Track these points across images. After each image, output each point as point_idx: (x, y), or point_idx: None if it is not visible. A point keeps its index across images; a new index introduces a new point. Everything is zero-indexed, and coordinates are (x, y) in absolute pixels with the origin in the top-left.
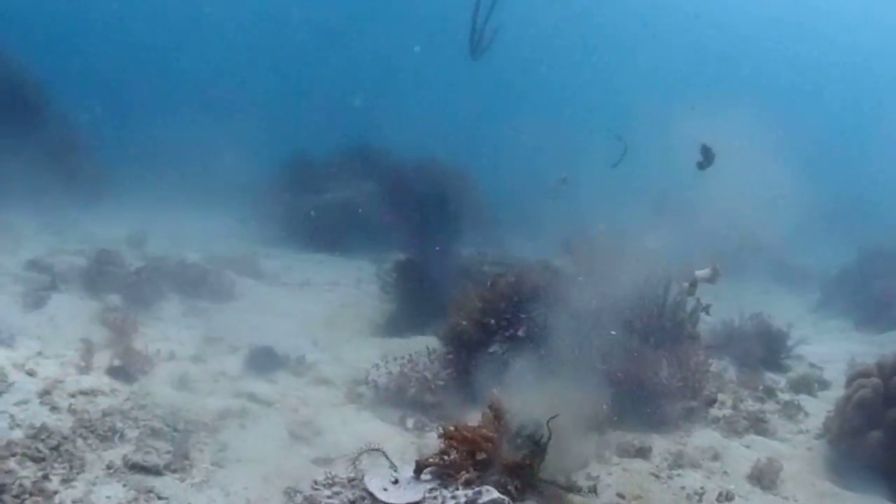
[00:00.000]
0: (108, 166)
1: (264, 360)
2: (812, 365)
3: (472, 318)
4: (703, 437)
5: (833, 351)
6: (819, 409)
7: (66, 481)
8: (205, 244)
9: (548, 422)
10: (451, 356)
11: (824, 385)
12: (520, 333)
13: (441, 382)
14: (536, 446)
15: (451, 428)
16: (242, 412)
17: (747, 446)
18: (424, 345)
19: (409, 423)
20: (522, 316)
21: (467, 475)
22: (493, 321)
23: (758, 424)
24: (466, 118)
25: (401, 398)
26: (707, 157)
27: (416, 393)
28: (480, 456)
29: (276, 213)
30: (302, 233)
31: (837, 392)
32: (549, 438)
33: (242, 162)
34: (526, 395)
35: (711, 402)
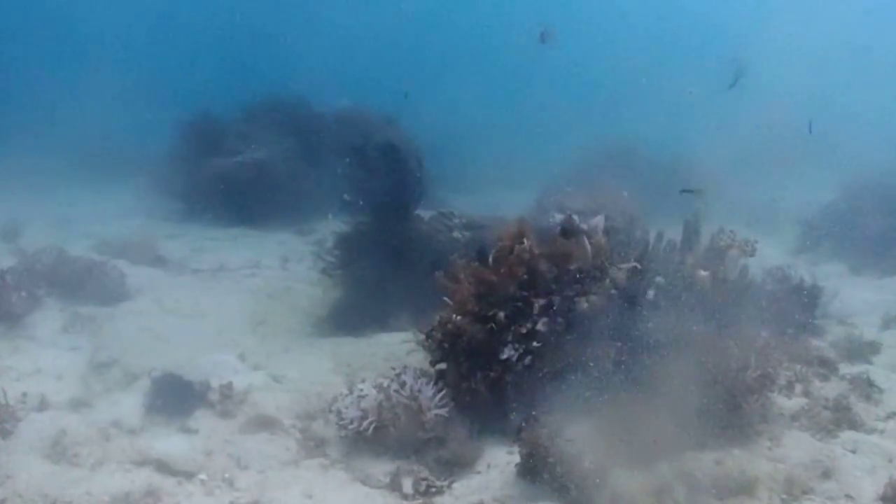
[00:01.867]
0: None
1: (175, 395)
2: (842, 322)
3: (466, 309)
4: (795, 446)
5: (850, 302)
6: (888, 381)
7: None
8: (94, 228)
9: None
10: (444, 368)
11: (874, 348)
12: (539, 327)
13: (442, 411)
14: None
15: None
16: (150, 497)
17: (852, 451)
18: (394, 347)
19: (407, 484)
20: (541, 302)
21: None
22: (501, 313)
23: (844, 414)
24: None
25: (383, 440)
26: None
27: (405, 430)
28: None
29: (177, 182)
30: (211, 204)
31: (891, 356)
32: None
33: (135, 125)
34: (570, 421)
35: None
